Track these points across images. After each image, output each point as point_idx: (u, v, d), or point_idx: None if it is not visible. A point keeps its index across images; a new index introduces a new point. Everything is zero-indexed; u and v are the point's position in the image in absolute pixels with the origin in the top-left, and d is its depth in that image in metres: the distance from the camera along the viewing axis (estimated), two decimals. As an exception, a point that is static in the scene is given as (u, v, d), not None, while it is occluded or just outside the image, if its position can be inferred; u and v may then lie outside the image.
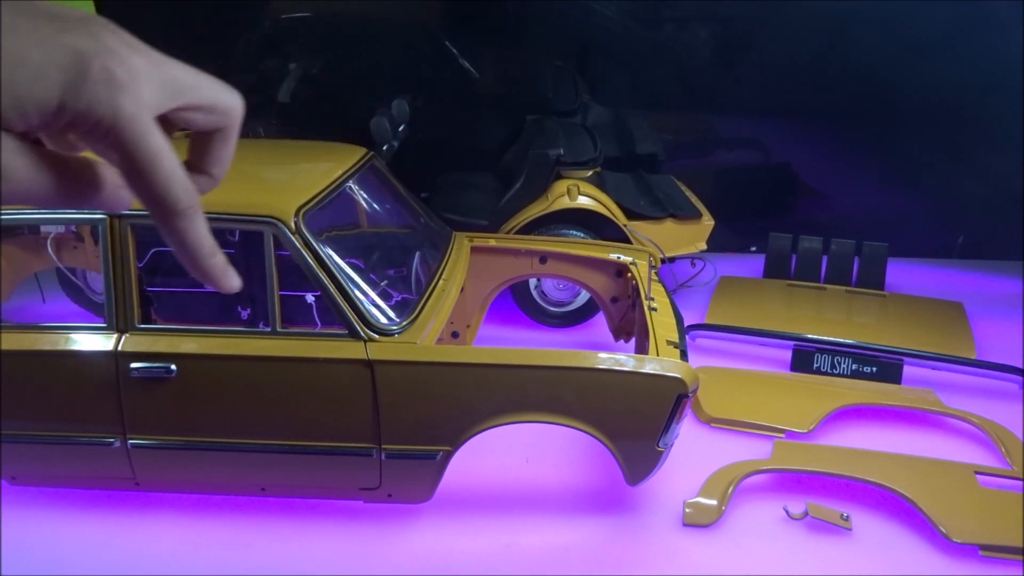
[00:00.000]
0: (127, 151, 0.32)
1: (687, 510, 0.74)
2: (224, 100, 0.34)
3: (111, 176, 0.34)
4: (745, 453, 0.82)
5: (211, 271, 0.35)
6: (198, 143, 0.34)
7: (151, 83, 0.32)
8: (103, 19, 0.36)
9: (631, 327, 0.96)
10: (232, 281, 0.36)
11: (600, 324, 1.05)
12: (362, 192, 0.82)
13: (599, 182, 1.14)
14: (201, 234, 0.34)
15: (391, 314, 0.69)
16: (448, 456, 0.68)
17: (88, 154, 0.32)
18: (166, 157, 0.33)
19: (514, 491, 0.79)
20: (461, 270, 0.86)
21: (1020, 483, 0.78)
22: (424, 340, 0.68)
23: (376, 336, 0.66)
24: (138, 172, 0.33)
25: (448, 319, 0.77)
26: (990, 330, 1.14)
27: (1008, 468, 0.81)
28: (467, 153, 1.33)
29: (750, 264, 1.34)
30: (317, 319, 0.85)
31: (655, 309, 0.81)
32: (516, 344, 1.04)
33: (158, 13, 1.19)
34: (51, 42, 0.32)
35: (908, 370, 0.99)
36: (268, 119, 1.21)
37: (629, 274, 0.93)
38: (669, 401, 0.66)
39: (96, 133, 0.32)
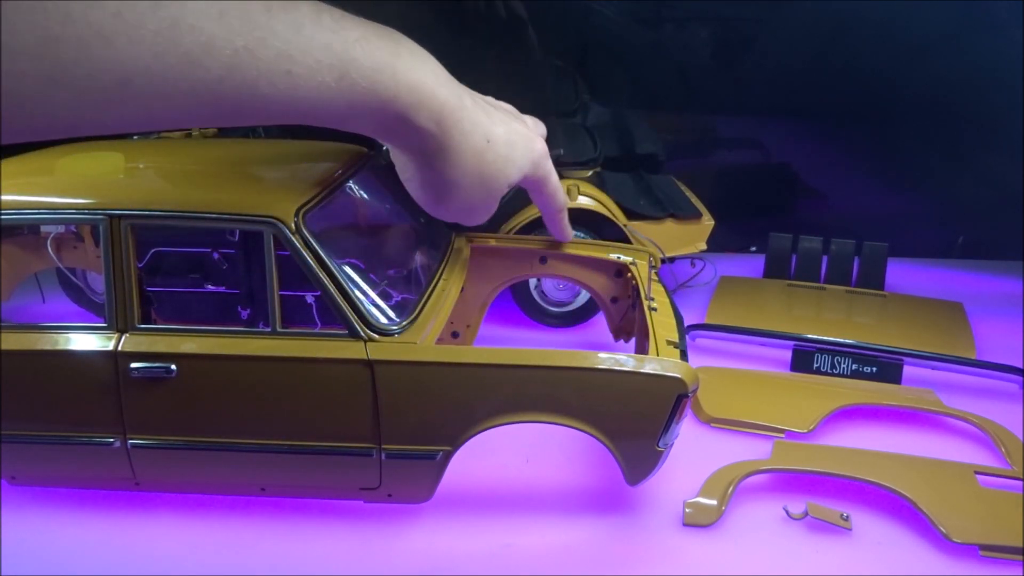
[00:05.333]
0: (550, 186, 0.62)
1: (687, 510, 0.74)
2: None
3: None
4: (745, 453, 0.82)
5: (567, 233, 0.71)
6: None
7: None
8: (509, 105, 0.64)
9: (631, 327, 0.96)
10: (571, 235, 0.74)
11: (600, 324, 1.05)
12: (362, 192, 0.81)
13: (599, 182, 1.14)
14: (567, 216, 0.68)
15: (391, 314, 0.69)
16: (448, 456, 0.68)
17: None
18: (560, 184, 0.64)
19: (514, 491, 0.79)
20: (461, 270, 0.86)
21: (1020, 483, 0.78)
22: (424, 340, 0.68)
23: (376, 336, 0.66)
24: (552, 195, 0.63)
25: (448, 319, 0.77)
26: (990, 330, 1.14)
27: (1008, 468, 0.81)
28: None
29: (750, 264, 1.34)
30: (317, 319, 0.85)
31: (655, 309, 0.81)
32: (516, 344, 1.04)
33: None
34: (520, 131, 0.58)
35: (908, 370, 0.99)
36: (268, 119, 1.20)
37: (629, 274, 0.93)
38: (669, 401, 0.66)
39: (537, 183, 0.61)
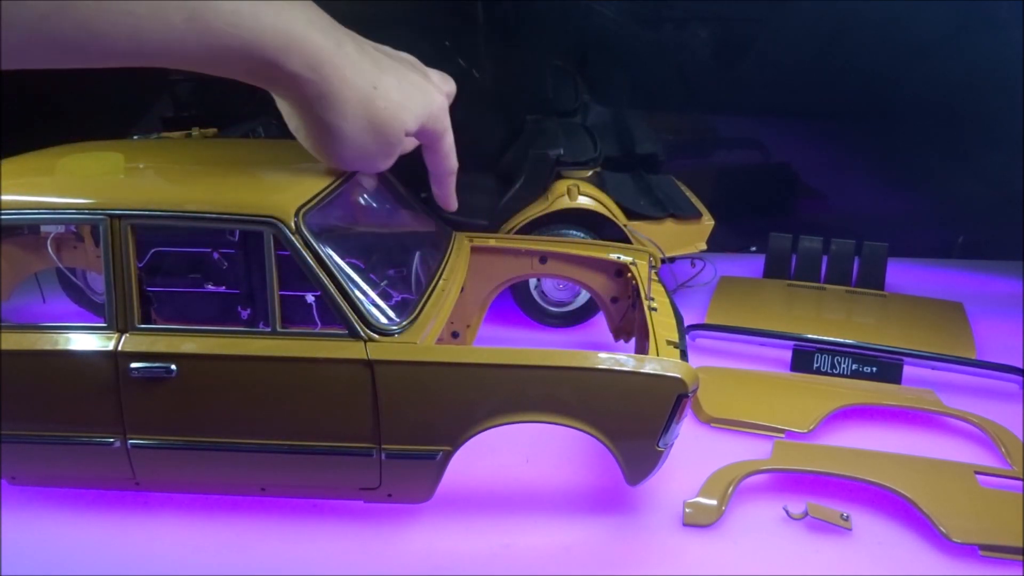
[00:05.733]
0: (446, 144, 0.61)
1: (687, 510, 0.74)
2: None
3: None
4: (745, 453, 0.82)
5: (451, 201, 0.68)
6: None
7: None
8: (410, 55, 0.61)
9: (631, 327, 0.96)
10: (454, 205, 0.70)
11: (600, 324, 1.05)
12: (362, 192, 0.81)
13: (599, 182, 1.14)
14: (454, 181, 0.66)
15: (391, 314, 0.69)
16: (448, 456, 0.68)
17: None
18: (453, 147, 0.62)
19: (514, 491, 0.79)
20: (461, 270, 0.86)
21: (1020, 483, 0.78)
22: (424, 340, 0.68)
23: (376, 336, 0.66)
24: (446, 155, 0.62)
25: (448, 319, 0.77)
26: (990, 330, 1.14)
27: (1008, 468, 0.81)
28: (467, 153, 1.33)
29: (750, 264, 1.34)
30: (317, 319, 0.85)
31: (655, 309, 0.81)
32: (516, 344, 1.04)
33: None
34: (418, 84, 0.57)
35: (908, 370, 0.99)
36: (268, 119, 1.21)
37: (629, 274, 0.93)
38: (669, 401, 0.66)
39: (432, 137, 0.60)
